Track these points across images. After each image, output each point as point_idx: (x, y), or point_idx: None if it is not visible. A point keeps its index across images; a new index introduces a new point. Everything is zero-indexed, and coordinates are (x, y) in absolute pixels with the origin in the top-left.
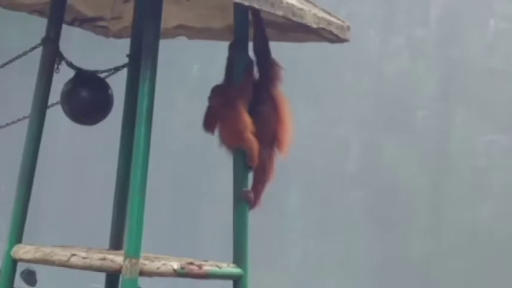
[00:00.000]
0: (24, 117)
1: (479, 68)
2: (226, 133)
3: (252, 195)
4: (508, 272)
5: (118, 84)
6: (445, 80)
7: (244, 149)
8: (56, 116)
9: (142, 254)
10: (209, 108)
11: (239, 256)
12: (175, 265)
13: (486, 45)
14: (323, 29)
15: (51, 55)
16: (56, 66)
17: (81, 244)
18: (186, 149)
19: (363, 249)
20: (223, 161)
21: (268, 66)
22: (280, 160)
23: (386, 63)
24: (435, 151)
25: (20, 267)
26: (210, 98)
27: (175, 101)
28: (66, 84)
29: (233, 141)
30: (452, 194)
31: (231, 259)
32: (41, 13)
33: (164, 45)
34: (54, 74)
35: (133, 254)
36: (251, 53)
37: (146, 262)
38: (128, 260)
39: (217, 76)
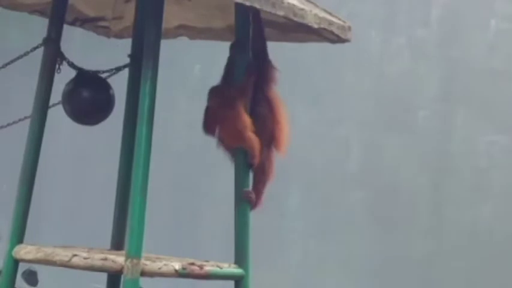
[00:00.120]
0: (25, 117)
1: (480, 68)
2: (227, 133)
3: (253, 195)
4: (508, 272)
5: (119, 85)
6: (446, 80)
7: (246, 148)
8: (57, 116)
9: (143, 254)
10: (208, 110)
11: (241, 256)
12: (177, 265)
13: (487, 46)
14: (324, 29)
15: (53, 55)
16: (57, 66)
17: (83, 244)
18: (187, 149)
19: (363, 250)
20: (224, 162)
21: (264, 68)
22: (281, 160)
23: (387, 64)
24: (436, 151)
25: (22, 267)
26: (209, 100)
27: (176, 101)
28: (68, 84)
29: (234, 141)
30: (453, 194)
31: (232, 259)
32: (42, 13)
33: (165, 45)
34: (56, 74)
35: (135, 254)
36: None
37: (147, 262)
38: (129, 260)
39: (219, 76)
